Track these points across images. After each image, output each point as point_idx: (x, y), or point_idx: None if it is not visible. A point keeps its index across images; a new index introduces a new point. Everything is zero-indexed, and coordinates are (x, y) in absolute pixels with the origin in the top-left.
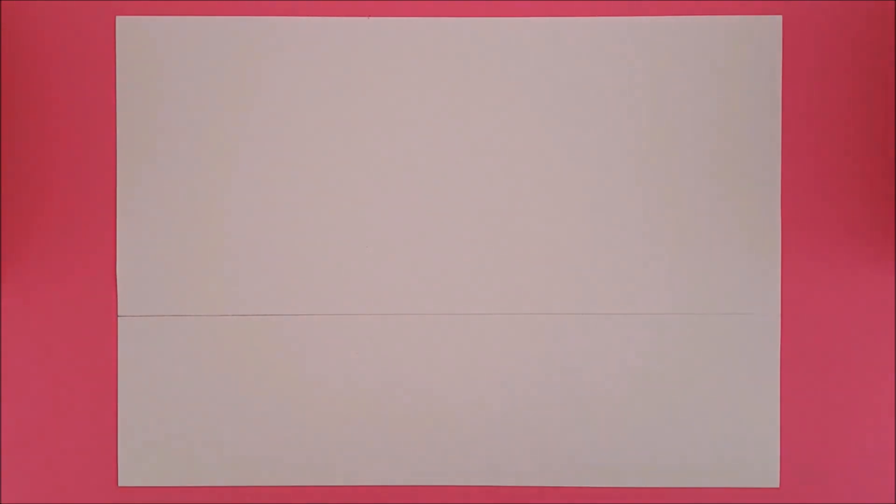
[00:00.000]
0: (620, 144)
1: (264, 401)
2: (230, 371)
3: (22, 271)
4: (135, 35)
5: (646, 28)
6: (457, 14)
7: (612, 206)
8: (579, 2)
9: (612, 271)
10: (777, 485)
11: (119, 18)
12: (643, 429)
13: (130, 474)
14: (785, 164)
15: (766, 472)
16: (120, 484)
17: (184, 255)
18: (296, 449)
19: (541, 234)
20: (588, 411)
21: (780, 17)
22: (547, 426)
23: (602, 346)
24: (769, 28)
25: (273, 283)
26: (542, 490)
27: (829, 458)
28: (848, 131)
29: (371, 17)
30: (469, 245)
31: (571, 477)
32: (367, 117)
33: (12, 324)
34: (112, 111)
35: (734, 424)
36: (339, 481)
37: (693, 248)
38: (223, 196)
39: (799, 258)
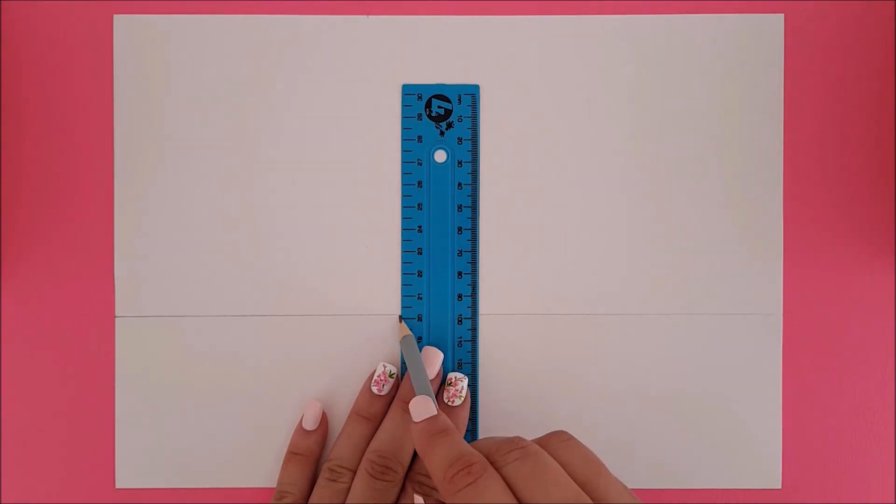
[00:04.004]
0: (619, 144)
1: (263, 402)
2: (228, 372)
3: (19, 272)
4: (132, 34)
5: (647, 26)
6: (459, 13)
7: (611, 207)
8: (580, 1)
9: (612, 272)
10: (779, 486)
11: (116, 17)
12: (644, 430)
13: (128, 476)
14: (787, 163)
15: (768, 473)
16: (117, 486)
17: (182, 255)
18: None
19: (538, 235)
20: (588, 412)
21: (781, 16)
22: (548, 426)
23: (603, 346)
24: (771, 26)
25: (272, 284)
26: None
27: (832, 459)
28: (850, 130)
29: (370, 16)
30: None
31: None
32: (369, 118)
33: (10, 325)
34: (109, 110)
35: (736, 425)
36: None
37: (694, 248)
38: (221, 196)
39: (801, 258)
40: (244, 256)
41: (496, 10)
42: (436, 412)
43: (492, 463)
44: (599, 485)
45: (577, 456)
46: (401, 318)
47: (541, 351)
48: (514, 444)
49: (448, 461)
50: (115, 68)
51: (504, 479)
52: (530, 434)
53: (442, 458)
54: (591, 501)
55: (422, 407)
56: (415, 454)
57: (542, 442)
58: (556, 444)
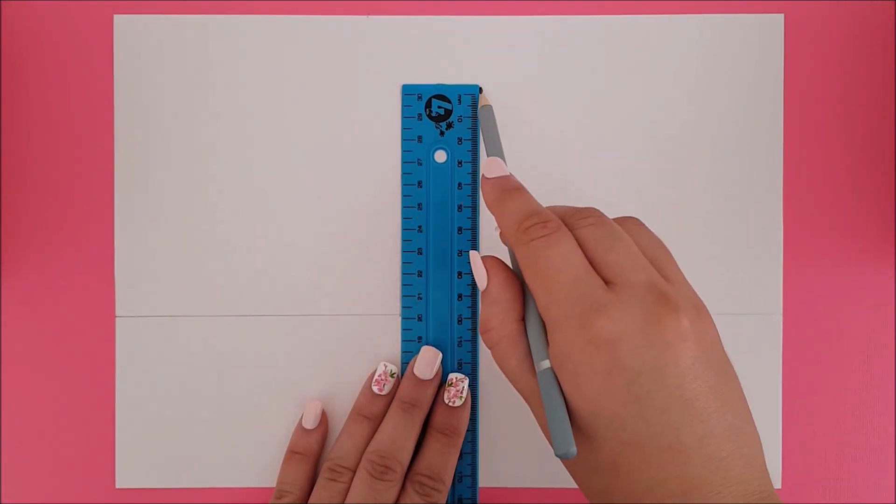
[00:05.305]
0: (619, 144)
1: (263, 402)
2: (228, 372)
3: (19, 272)
4: (132, 34)
5: (647, 26)
6: (459, 13)
7: (611, 207)
8: (580, 1)
9: None
10: (779, 486)
11: (116, 17)
12: None
13: (128, 476)
14: (786, 163)
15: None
16: (118, 486)
17: (182, 255)
18: None
19: None
20: None
21: (781, 16)
22: None
23: None
24: (771, 26)
25: (272, 284)
26: (542, 491)
27: (832, 459)
28: (849, 130)
29: (370, 16)
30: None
31: None
32: (369, 118)
33: (11, 325)
34: (109, 110)
35: None
36: None
37: (694, 248)
38: (221, 196)
39: (801, 258)
40: (244, 257)
41: (496, 10)
42: (508, 173)
43: (566, 225)
44: (666, 267)
45: (649, 239)
46: (481, 88)
47: None
48: (590, 212)
49: (524, 213)
50: (115, 68)
51: (577, 240)
52: (533, 431)
53: (517, 210)
54: (660, 277)
55: (495, 165)
56: (414, 454)
57: (616, 221)
58: (629, 225)
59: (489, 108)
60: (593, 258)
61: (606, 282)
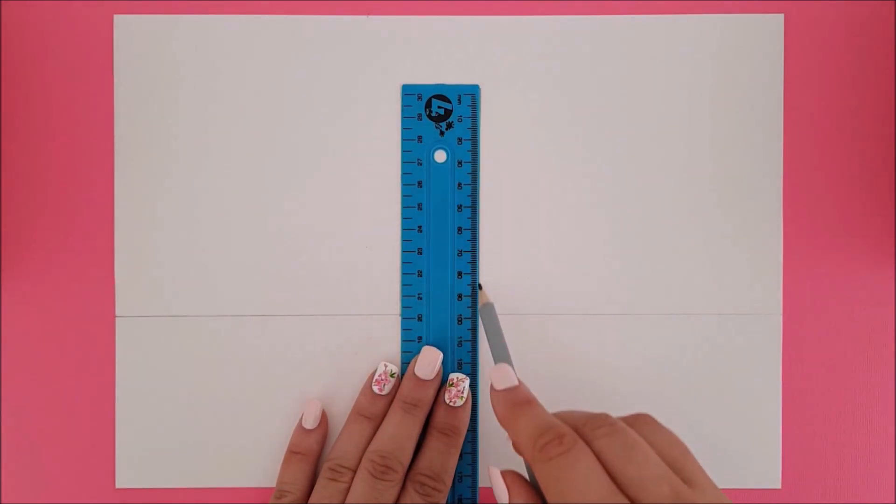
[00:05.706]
0: (620, 143)
1: (263, 402)
2: (228, 372)
3: (20, 272)
4: (132, 34)
5: (647, 26)
6: (459, 13)
7: (611, 207)
8: (580, 1)
9: (612, 272)
10: (779, 486)
11: (117, 17)
12: None
13: (128, 476)
14: (787, 163)
15: (768, 473)
16: (118, 486)
17: (182, 255)
18: None
19: (538, 235)
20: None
21: (781, 16)
22: None
23: (603, 345)
24: (771, 26)
25: (272, 284)
26: None
27: (832, 459)
28: (849, 130)
29: (370, 16)
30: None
31: None
32: (369, 118)
33: (11, 325)
34: (109, 111)
35: (736, 425)
36: None
37: (694, 248)
38: (221, 196)
39: (801, 258)
40: (244, 256)
41: (496, 10)
42: (517, 382)
43: (580, 436)
44: (686, 466)
45: (663, 438)
46: (480, 286)
47: (540, 351)
48: (603, 420)
49: (538, 430)
50: (115, 68)
51: (594, 452)
52: None
53: (530, 427)
54: (679, 480)
55: (503, 375)
56: (415, 454)
57: (628, 422)
58: (642, 425)
59: (491, 306)
60: (612, 471)
61: (630, 499)
